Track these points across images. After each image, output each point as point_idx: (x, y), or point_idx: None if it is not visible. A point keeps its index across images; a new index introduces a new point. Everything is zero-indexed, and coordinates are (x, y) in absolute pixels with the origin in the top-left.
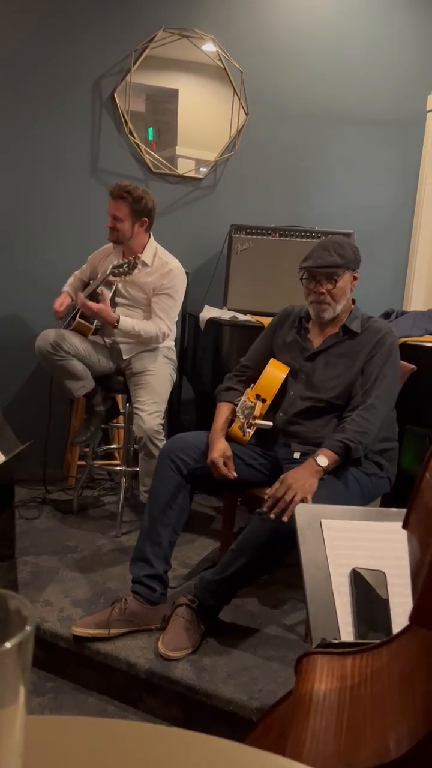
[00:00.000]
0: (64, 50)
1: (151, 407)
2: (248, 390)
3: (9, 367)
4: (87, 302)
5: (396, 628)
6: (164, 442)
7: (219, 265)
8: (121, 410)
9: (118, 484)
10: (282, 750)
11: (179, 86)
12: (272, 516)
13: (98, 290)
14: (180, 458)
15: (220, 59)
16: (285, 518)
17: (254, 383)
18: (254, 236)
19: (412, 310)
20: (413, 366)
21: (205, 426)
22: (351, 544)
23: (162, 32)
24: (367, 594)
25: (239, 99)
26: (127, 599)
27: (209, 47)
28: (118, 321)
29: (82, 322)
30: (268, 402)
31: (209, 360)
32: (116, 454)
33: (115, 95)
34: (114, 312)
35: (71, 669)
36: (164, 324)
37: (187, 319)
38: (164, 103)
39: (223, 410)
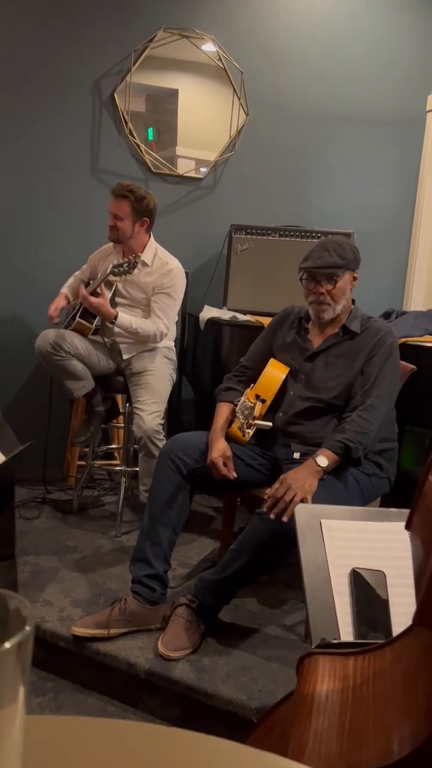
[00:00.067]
0: (64, 50)
1: (151, 407)
2: (248, 390)
3: (9, 367)
4: (88, 296)
5: (396, 629)
6: (164, 442)
7: (219, 265)
8: (121, 410)
9: (118, 484)
10: (283, 751)
11: (179, 86)
12: (272, 516)
13: (98, 290)
14: (180, 458)
15: (220, 59)
16: (285, 518)
17: (254, 383)
18: (254, 236)
19: (412, 310)
20: (413, 366)
21: (205, 426)
22: (351, 544)
23: (162, 32)
24: (367, 594)
25: (239, 99)
26: (126, 599)
27: (209, 47)
28: (116, 317)
29: (82, 322)
30: (268, 402)
31: (209, 360)
32: (116, 454)
33: (115, 95)
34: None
35: (71, 669)
36: (162, 323)
37: (187, 319)
38: (164, 103)
39: (223, 410)
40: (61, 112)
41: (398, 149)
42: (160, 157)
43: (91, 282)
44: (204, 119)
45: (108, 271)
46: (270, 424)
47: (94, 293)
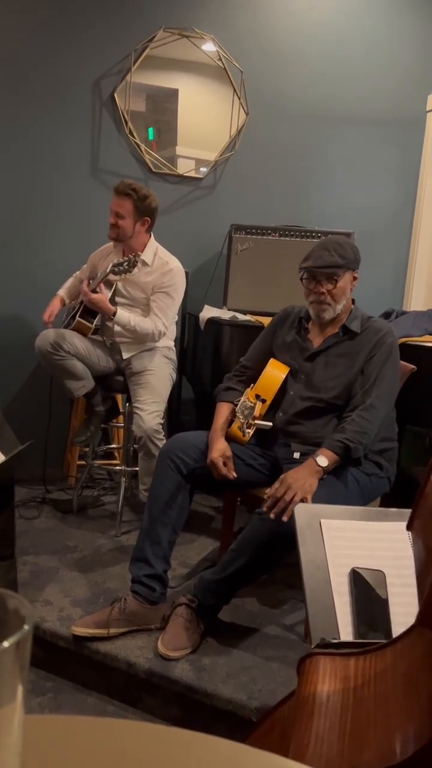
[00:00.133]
0: (64, 50)
1: (150, 407)
2: (248, 390)
3: (9, 367)
4: (88, 291)
5: (396, 628)
6: (164, 441)
7: (219, 265)
8: (121, 410)
9: (118, 483)
10: (284, 751)
11: (179, 86)
12: (272, 516)
13: (97, 289)
14: (180, 458)
15: (220, 59)
16: (285, 518)
17: (254, 383)
18: (254, 236)
19: (412, 310)
20: (413, 366)
21: (204, 426)
22: (351, 544)
23: (162, 32)
24: (367, 594)
25: (239, 99)
26: (126, 599)
27: (209, 47)
28: (114, 313)
29: (82, 321)
30: (268, 402)
31: (209, 360)
32: (116, 454)
33: (115, 95)
34: None
35: (71, 668)
36: (161, 322)
37: (187, 319)
38: (164, 103)
39: (223, 410)
40: (61, 112)
41: (398, 149)
42: (161, 156)
43: (91, 281)
44: (204, 119)
45: (108, 270)
46: (270, 423)
47: (94, 292)
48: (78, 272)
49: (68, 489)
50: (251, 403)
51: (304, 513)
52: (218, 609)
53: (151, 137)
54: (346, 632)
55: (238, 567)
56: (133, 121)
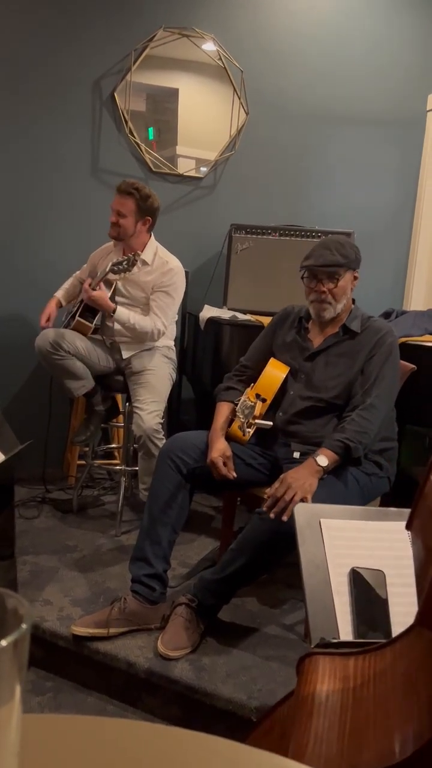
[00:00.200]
0: (64, 50)
1: (150, 406)
2: (248, 390)
3: (9, 367)
4: (88, 289)
5: (395, 628)
6: (164, 441)
7: (219, 265)
8: (121, 410)
9: (118, 483)
10: (283, 751)
11: (179, 85)
12: (272, 515)
13: (96, 287)
14: (180, 457)
15: (221, 58)
16: (284, 518)
17: (254, 383)
18: (254, 236)
19: (412, 309)
20: (413, 366)
21: (205, 425)
22: (350, 543)
23: (162, 31)
24: (367, 594)
25: (239, 98)
26: (126, 598)
27: (209, 46)
28: (114, 310)
29: (82, 321)
30: (268, 402)
31: (209, 359)
32: (116, 454)
33: (115, 95)
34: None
35: (70, 668)
36: (160, 321)
37: (187, 318)
38: (164, 103)
39: (223, 410)
40: (61, 112)
41: (398, 149)
42: (161, 156)
43: (92, 280)
44: (204, 119)
45: (107, 269)
46: (270, 423)
47: (93, 290)
48: (78, 272)
49: (68, 489)
50: (251, 402)
51: (303, 513)
52: (218, 609)
53: (151, 137)
54: (346, 632)
55: (238, 567)
56: (133, 120)
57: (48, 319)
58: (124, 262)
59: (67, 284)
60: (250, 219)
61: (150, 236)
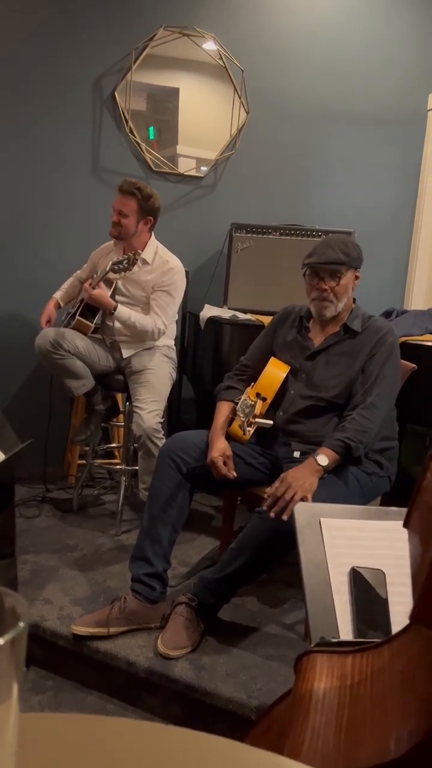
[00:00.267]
0: (64, 50)
1: (150, 405)
2: (248, 389)
3: (9, 367)
4: (89, 288)
5: (395, 628)
6: (163, 440)
7: (219, 264)
8: (121, 409)
9: (118, 482)
10: (281, 749)
11: (180, 85)
12: (272, 515)
13: (96, 286)
14: (180, 457)
15: (221, 58)
16: (285, 517)
17: (254, 382)
18: (255, 235)
19: (413, 309)
20: (413, 365)
21: (205, 425)
22: (351, 543)
23: (162, 31)
24: (367, 593)
25: (240, 98)
26: (126, 598)
27: (210, 46)
28: (115, 308)
29: (82, 320)
30: (269, 401)
31: (209, 359)
32: (116, 453)
33: (116, 94)
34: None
35: (71, 667)
36: (161, 321)
37: (188, 318)
38: (165, 102)
39: (223, 409)
40: (61, 112)
41: (399, 148)
42: (161, 155)
43: (92, 280)
44: (205, 118)
45: (108, 269)
46: (270, 422)
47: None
48: (79, 271)
49: (68, 488)
50: (252, 401)
51: (304, 512)
52: (218, 608)
53: (151, 136)
54: (346, 631)
55: (238, 566)
56: (133, 120)
57: (48, 321)
58: (125, 261)
59: (66, 285)
60: (251, 218)
61: (150, 235)
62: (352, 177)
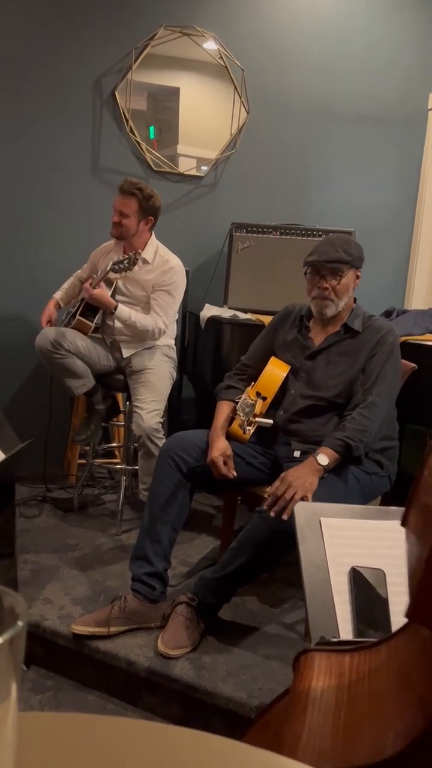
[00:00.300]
0: (64, 49)
1: (150, 405)
2: (249, 388)
3: (9, 367)
4: (89, 288)
5: (396, 627)
6: (163, 440)
7: (220, 264)
8: (121, 408)
9: (119, 482)
10: (277, 746)
11: (180, 84)
12: (272, 514)
13: (97, 286)
14: (180, 456)
15: (222, 57)
16: (285, 516)
17: (255, 382)
18: (255, 234)
19: (413, 308)
20: (414, 365)
21: (205, 425)
22: (351, 542)
23: (163, 30)
24: (367, 593)
25: (240, 97)
26: (126, 597)
27: (210, 45)
28: (116, 307)
29: (83, 320)
30: (269, 400)
31: (210, 358)
32: (116, 453)
33: (116, 93)
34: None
35: (71, 667)
36: (161, 320)
37: (188, 317)
38: (165, 101)
39: (224, 409)
40: (61, 112)
41: (399, 147)
42: (162, 155)
43: (92, 279)
44: (205, 117)
45: (108, 268)
46: (270, 421)
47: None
48: (79, 271)
49: (69, 487)
50: (252, 400)
51: (304, 511)
52: (218, 607)
53: (152, 136)
54: (346, 631)
55: (239, 565)
56: (134, 119)
57: (49, 321)
58: (125, 261)
59: (66, 284)
60: (251, 218)
61: (151, 235)
62: (353, 176)
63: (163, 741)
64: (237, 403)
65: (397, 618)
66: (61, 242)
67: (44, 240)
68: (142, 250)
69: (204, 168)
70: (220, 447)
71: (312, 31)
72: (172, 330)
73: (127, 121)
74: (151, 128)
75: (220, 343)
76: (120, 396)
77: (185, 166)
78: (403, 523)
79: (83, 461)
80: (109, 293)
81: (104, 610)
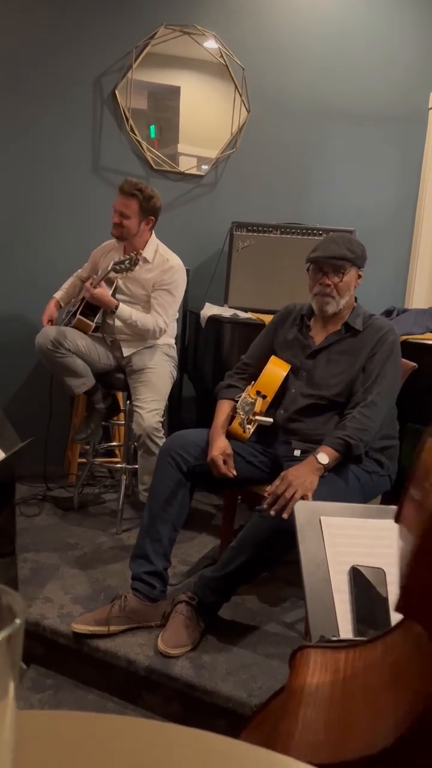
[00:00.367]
0: (64, 49)
1: (150, 404)
2: (249, 387)
3: (9, 366)
4: (90, 287)
5: None
6: (164, 439)
7: (220, 263)
8: (122, 407)
9: (119, 481)
10: (272, 742)
11: (181, 83)
12: (272, 513)
13: (97, 285)
14: (180, 455)
15: (222, 56)
16: (285, 515)
17: (255, 381)
18: (255, 233)
19: (414, 307)
20: (414, 364)
21: (205, 424)
22: (351, 541)
23: (163, 29)
24: (367, 591)
25: (241, 96)
26: (126, 596)
27: (211, 44)
28: (117, 306)
29: (83, 319)
30: (269, 398)
31: (210, 358)
32: (117, 452)
33: (117, 92)
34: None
35: (71, 666)
36: (162, 319)
37: (188, 316)
38: (166, 100)
39: (224, 408)
40: (62, 111)
41: (400, 146)
42: (162, 154)
43: (93, 278)
44: (205, 116)
45: (109, 268)
46: (270, 419)
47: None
48: (80, 270)
49: (69, 486)
50: (252, 399)
51: (304, 510)
52: (218, 606)
53: (152, 135)
54: (346, 630)
55: (239, 564)
56: (134, 118)
57: (49, 321)
58: (126, 261)
59: (66, 284)
60: (252, 216)
61: (151, 234)
62: (353, 175)
63: (163, 740)
64: (237, 401)
65: (397, 617)
66: (61, 242)
67: (44, 240)
68: (143, 249)
69: (204, 167)
70: (220, 446)
71: (312, 30)
72: (173, 329)
73: (127, 120)
74: (152, 127)
75: (220, 342)
76: (120, 395)
77: (186, 165)
78: (397, 519)
79: (83, 460)
80: (110, 293)
81: (104, 609)
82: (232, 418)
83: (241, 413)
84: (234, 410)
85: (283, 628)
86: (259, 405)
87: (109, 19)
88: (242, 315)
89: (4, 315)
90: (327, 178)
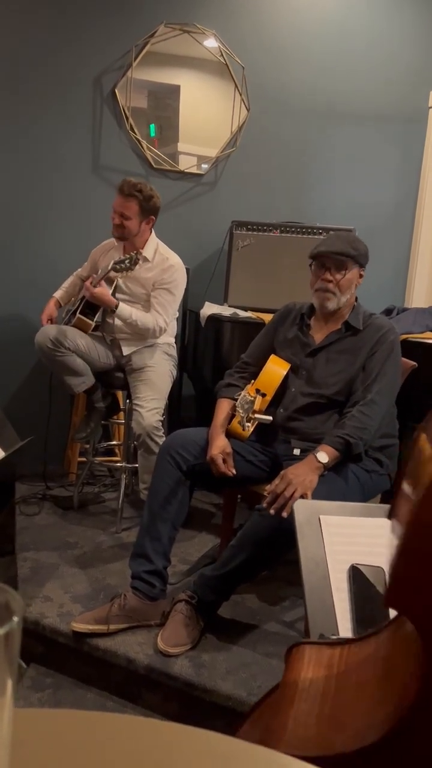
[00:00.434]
0: (64, 47)
1: (150, 403)
2: (248, 386)
3: (9, 365)
4: (90, 287)
5: None
6: (163, 438)
7: (220, 262)
8: (121, 407)
9: (119, 480)
10: (266, 738)
11: (181, 82)
12: (272, 512)
13: (97, 285)
14: (180, 454)
15: (222, 55)
16: (284, 514)
17: (255, 379)
18: (255, 232)
19: (413, 306)
20: (414, 363)
21: (205, 423)
22: (350, 540)
23: (163, 27)
24: (366, 590)
25: (241, 95)
26: (126, 595)
27: (211, 43)
28: (117, 305)
29: (83, 318)
30: (269, 397)
31: (210, 357)
32: (116, 451)
33: (116, 91)
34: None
35: (70, 664)
36: (162, 318)
37: (188, 315)
38: (166, 99)
39: (224, 407)
40: (62, 110)
41: (400, 145)
42: (162, 153)
43: (93, 277)
44: (205, 115)
45: (109, 267)
46: (270, 418)
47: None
48: (79, 269)
49: (69, 485)
50: (251, 397)
51: (303, 509)
52: (218, 605)
53: (152, 134)
54: (345, 629)
55: (238, 563)
56: (134, 117)
57: (49, 320)
58: (127, 261)
59: (66, 284)
60: (251, 215)
61: (151, 233)
62: (353, 174)
63: (163, 738)
64: (237, 400)
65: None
66: (61, 242)
67: (44, 240)
68: (143, 248)
69: (204, 166)
70: (219, 445)
71: (312, 29)
72: (173, 328)
73: (127, 119)
74: (152, 126)
75: (220, 341)
76: (120, 394)
77: (185, 163)
78: (389, 516)
79: (83, 459)
80: (110, 292)
81: (104, 607)
82: (231, 417)
83: (240, 411)
84: (234, 410)
85: (283, 627)
86: (259, 403)
87: (108, 18)
88: (242, 314)
89: (4, 315)
90: (327, 177)
